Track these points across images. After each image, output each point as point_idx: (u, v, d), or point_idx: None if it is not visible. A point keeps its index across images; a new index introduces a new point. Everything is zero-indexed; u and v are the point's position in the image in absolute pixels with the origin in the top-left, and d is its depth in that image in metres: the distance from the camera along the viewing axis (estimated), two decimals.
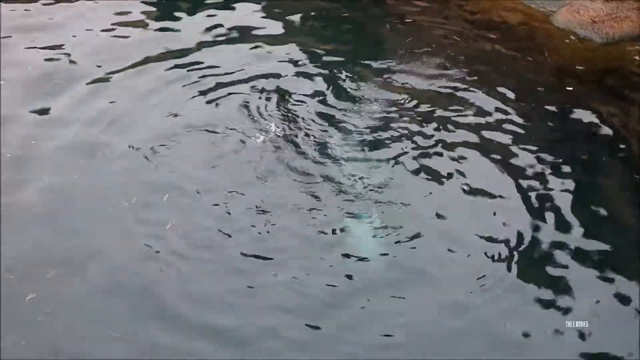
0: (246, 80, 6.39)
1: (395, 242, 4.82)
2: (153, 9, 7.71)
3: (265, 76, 6.46)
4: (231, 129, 5.74)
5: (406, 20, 7.64)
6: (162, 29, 7.29)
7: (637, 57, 6.90)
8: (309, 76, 6.51)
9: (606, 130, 5.91)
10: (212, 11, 7.64)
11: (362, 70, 6.65)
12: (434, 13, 7.77)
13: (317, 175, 5.32)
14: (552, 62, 6.83)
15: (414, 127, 5.83)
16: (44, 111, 5.93)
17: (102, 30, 7.22)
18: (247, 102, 6.10)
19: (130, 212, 4.98)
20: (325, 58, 6.82)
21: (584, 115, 6.06)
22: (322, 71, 6.60)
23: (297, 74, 6.55)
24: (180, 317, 4.31)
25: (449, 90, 6.32)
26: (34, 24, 7.30)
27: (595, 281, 4.67)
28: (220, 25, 7.34)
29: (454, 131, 5.80)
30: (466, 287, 4.56)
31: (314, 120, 5.89)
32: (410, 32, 7.41)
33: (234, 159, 5.48)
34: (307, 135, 5.72)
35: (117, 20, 7.43)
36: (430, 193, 5.22)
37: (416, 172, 5.42)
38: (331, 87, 6.34)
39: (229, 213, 4.99)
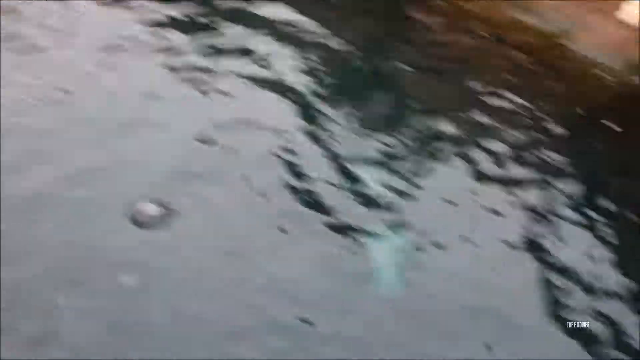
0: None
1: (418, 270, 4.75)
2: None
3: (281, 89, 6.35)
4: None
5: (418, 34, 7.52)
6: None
7: None
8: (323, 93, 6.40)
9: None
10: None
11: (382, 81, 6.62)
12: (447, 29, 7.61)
13: (336, 192, 5.26)
14: (569, 89, 6.72)
15: (435, 145, 5.82)
16: None
17: None
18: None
19: None
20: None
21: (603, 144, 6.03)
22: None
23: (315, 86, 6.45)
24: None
25: (463, 116, 6.20)
26: None
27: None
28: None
29: (477, 153, 5.78)
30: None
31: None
32: (422, 46, 7.28)
33: (241, 173, 5.38)
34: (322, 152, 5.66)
35: None
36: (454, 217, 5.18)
37: (438, 191, 5.37)
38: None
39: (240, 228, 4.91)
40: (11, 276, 4.35)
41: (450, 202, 5.31)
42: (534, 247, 5.05)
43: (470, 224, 5.15)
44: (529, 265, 4.92)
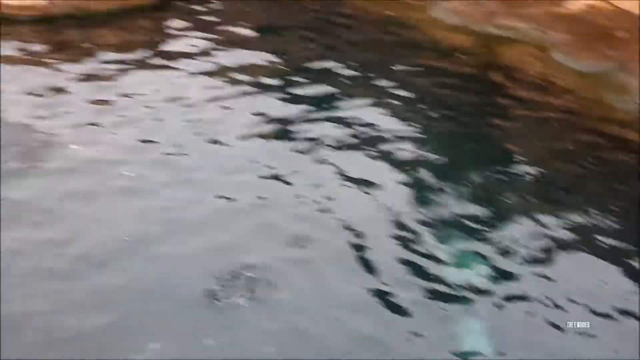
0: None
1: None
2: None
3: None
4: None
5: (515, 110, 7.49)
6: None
7: None
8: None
9: None
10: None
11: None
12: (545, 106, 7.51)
13: (435, 263, 5.15)
14: None
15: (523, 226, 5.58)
16: None
17: None
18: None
19: None
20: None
21: None
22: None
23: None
24: None
25: (565, 194, 6.03)
26: None
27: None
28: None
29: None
30: None
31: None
32: (517, 120, 7.28)
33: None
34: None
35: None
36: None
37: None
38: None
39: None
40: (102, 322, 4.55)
41: (548, 278, 5.05)
42: None
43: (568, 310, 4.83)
44: None
